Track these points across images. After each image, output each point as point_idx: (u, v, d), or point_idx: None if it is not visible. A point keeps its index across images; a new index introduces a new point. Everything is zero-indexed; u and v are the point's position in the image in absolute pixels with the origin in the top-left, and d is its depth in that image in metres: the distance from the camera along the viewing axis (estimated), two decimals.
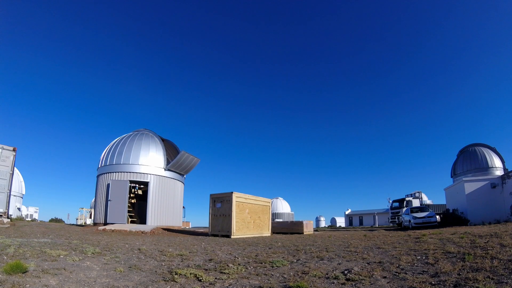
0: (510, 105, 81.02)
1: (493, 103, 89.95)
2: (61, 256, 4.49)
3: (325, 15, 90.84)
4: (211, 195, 12.77)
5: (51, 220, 30.98)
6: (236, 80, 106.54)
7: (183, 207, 19.26)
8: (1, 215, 12.26)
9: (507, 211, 16.63)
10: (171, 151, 19.21)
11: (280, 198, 48.24)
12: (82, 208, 35.90)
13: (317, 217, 68.81)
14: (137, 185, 17.08)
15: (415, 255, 4.79)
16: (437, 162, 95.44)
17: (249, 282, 3.27)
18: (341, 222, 58.94)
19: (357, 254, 5.25)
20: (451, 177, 25.00)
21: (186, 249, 6.29)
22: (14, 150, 12.87)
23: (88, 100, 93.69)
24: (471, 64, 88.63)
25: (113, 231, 12.48)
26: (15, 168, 13.54)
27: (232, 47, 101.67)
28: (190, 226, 36.98)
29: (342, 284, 3.14)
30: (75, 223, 29.56)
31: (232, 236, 11.33)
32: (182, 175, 18.31)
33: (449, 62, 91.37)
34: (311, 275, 3.56)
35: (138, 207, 18.15)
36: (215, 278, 3.41)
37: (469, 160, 23.14)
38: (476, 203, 18.07)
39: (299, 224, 16.04)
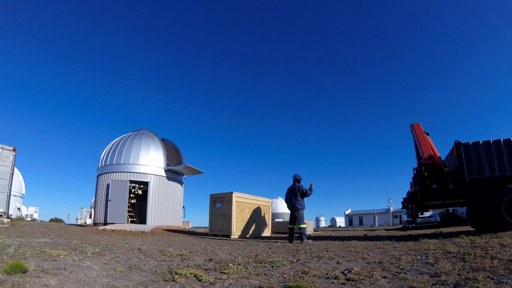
0: (510, 105, 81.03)
1: (493, 102, 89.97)
2: (61, 256, 4.49)
3: (323, 12, 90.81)
4: (211, 195, 12.77)
5: (51, 220, 31.03)
6: (235, 80, 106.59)
7: (183, 207, 19.26)
8: (1, 215, 12.26)
9: None
10: (171, 151, 19.21)
11: (280, 198, 48.07)
12: (82, 208, 35.88)
13: (317, 217, 68.77)
14: (137, 185, 17.08)
15: (415, 255, 4.79)
16: None
17: (249, 282, 3.27)
18: (341, 222, 58.97)
19: (357, 254, 5.24)
20: None
21: (186, 249, 6.29)
22: (14, 150, 12.87)
23: (88, 100, 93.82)
24: (471, 63, 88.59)
25: (113, 231, 12.47)
26: (15, 168, 13.54)
27: (231, 47, 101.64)
28: (190, 226, 37.00)
29: (342, 284, 3.14)
30: (75, 223, 29.56)
31: (232, 236, 11.33)
32: (182, 175, 18.33)
33: (450, 62, 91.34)
34: (311, 275, 3.56)
35: (138, 207, 18.15)
36: (215, 278, 3.41)
37: None
38: None
39: None
